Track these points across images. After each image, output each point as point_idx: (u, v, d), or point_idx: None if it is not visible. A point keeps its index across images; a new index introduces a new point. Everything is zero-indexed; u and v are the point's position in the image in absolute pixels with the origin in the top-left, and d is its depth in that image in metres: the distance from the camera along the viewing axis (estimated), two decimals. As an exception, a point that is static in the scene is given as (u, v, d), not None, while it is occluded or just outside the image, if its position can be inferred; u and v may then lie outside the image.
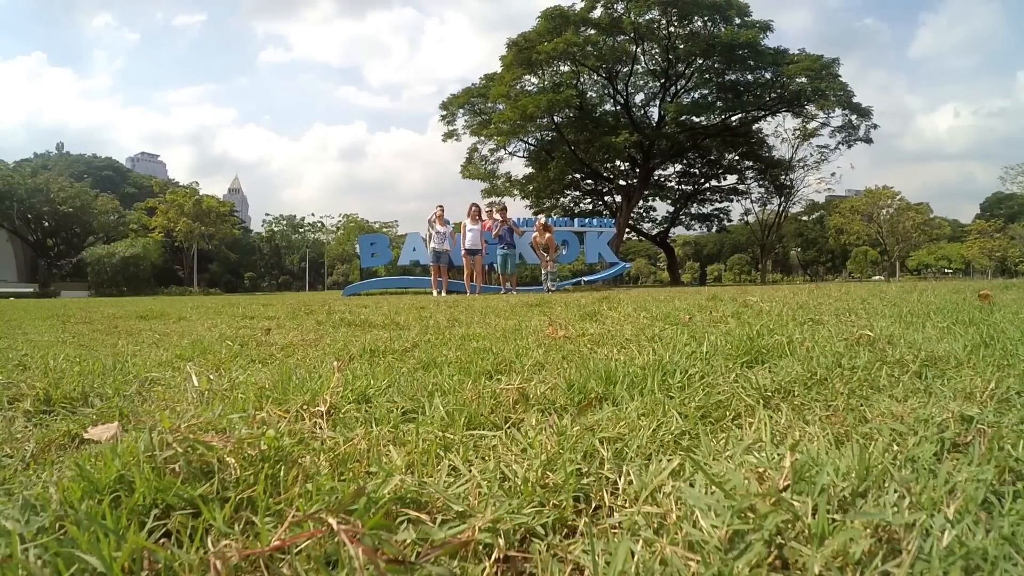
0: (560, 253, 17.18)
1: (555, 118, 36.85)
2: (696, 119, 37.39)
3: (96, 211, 55.97)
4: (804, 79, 33.90)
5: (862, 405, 1.60)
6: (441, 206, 16.40)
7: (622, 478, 1.08)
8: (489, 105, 39.39)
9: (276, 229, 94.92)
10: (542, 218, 17.44)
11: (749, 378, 1.87)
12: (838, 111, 36.07)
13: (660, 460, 1.15)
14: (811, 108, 36.17)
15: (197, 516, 0.89)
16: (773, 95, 35.94)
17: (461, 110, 40.88)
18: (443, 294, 14.27)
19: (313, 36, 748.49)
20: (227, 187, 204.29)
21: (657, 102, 39.59)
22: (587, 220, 19.93)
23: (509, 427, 1.51)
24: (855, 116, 36.07)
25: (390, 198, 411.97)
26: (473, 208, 15.79)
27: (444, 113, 40.95)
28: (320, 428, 1.48)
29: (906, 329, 2.93)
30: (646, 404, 1.61)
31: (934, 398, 1.60)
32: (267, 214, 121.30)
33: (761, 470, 1.01)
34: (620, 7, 33.93)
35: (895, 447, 1.16)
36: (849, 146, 38.03)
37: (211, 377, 2.21)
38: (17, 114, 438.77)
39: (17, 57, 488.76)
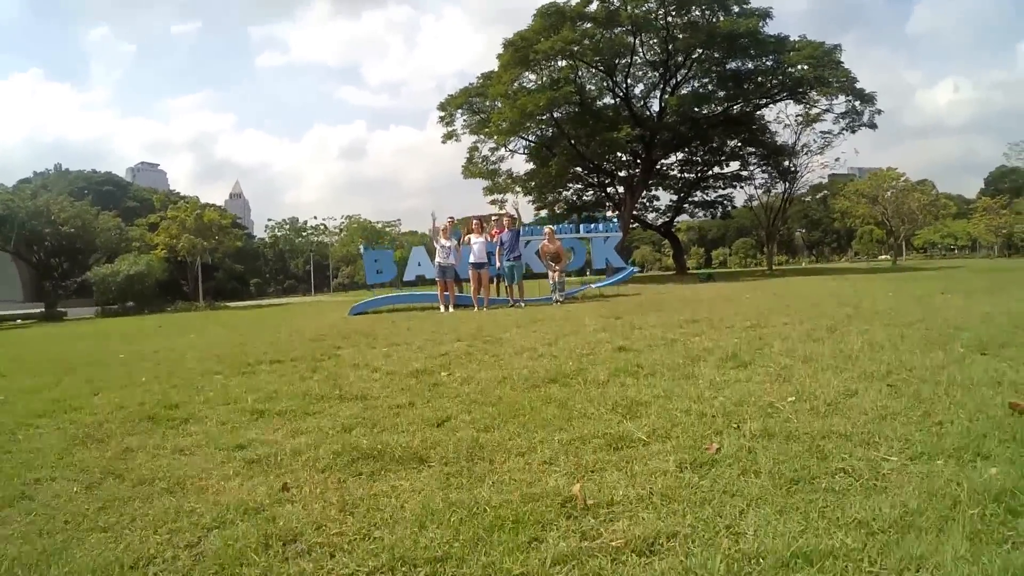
0: (569, 260, 16.91)
1: (555, 114, 36.46)
2: (697, 109, 36.93)
3: (98, 229, 55.81)
4: (806, 66, 33.39)
5: None
6: (451, 218, 16.15)
7: None
8: (488, 104, 39.04)
9: (279, 234, 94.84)
10: (549, 226, 17.20)
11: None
12: (841, 97, 35.54)
13: None
14: (813, 95, 35.66)
15: None
16: (775, 82, 35.50)
17: (459, 110, 40.55)
18: (451, 309, 14.14)
19: (310, 38, 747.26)
20: (228, 192, 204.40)
21: (657, 92, 39.15)
22: (592, 226, 19.55)
23: None
24: (859, 102, 35.54)
25: (393, 196, 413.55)
26: (475, 222, 15.57)
27: (443, 114, 40.63)
28: None
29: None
30: None
31: None
32: (269, 219, 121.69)
33: None
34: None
35: None
36: (853, 131, 37.48)
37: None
38: (19, 131, 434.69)
39: (12, 75, 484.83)
